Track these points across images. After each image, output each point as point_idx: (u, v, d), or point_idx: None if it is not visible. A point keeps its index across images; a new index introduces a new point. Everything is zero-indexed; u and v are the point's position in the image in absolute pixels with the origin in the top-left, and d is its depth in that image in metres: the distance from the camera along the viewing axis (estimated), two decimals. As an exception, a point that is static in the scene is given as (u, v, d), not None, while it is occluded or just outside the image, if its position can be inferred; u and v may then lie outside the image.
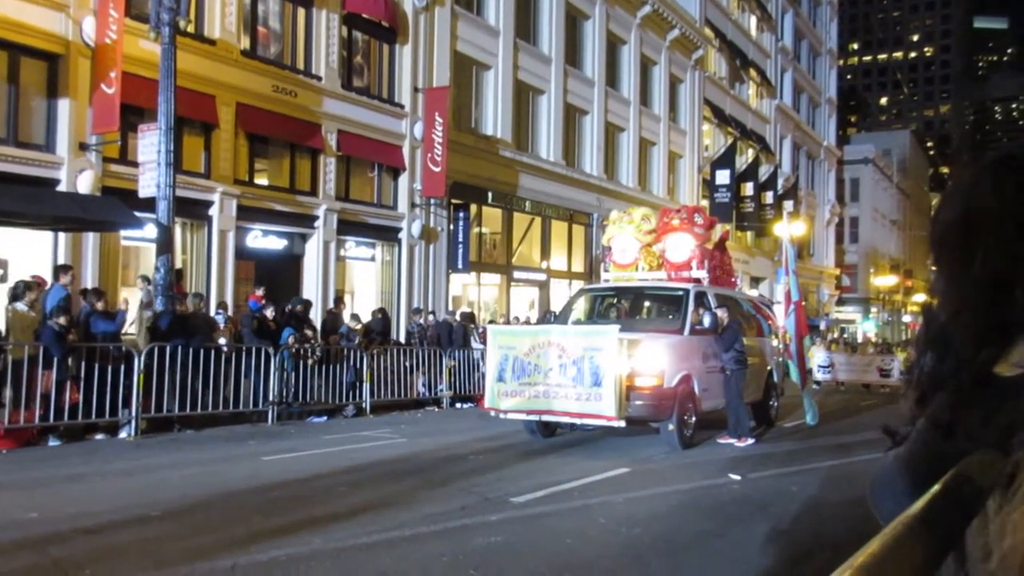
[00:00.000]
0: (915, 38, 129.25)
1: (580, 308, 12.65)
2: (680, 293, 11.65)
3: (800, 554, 5.75)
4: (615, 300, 12.98)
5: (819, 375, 17.63)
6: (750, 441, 10.89)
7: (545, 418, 10.45)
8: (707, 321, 11.05)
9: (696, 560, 5.49)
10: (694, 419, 10.64)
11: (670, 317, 11.68)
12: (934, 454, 0.90)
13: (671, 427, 10.15)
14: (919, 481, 0.89)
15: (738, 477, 8.40)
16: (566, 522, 6.34)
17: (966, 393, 0.89)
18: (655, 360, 10.07)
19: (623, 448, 10.40)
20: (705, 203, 33.15)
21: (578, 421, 10.20)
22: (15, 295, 10.28)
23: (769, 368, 13.44)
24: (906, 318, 66.00)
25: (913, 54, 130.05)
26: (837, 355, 25.55)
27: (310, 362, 13.32)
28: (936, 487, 0.81)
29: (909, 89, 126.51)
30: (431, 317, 18.00)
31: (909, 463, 0.95)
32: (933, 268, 1.02)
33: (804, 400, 13.75)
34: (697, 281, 12.21)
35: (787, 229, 17.12)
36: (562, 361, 9.93)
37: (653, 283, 12.55)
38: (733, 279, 14.26)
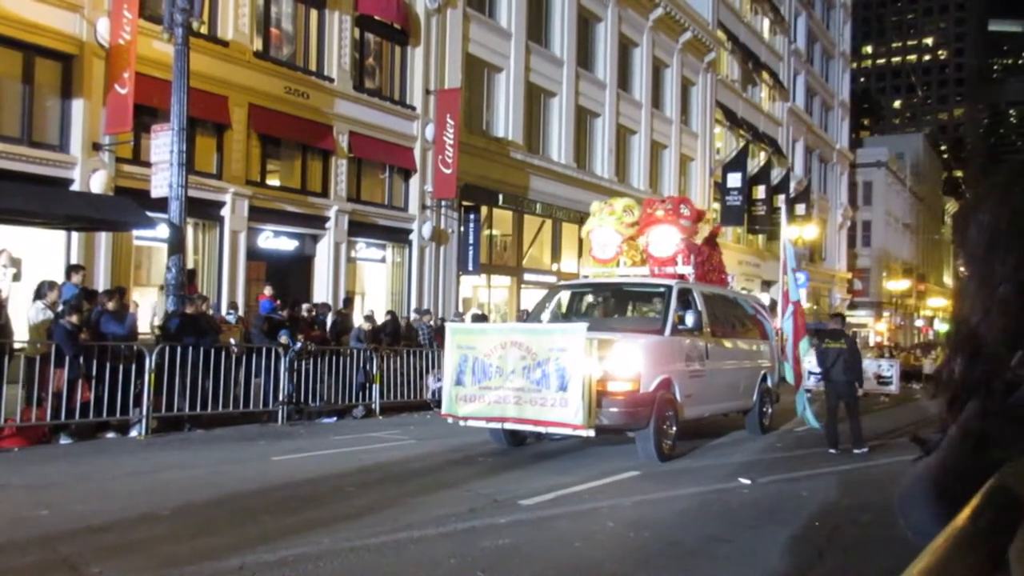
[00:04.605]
0: (929, 41, 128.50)
1: (555, 307, 11.89)
2: (662, 290, 10.75)
3: (810, 559, 5.70)
4: (593, 298, 12.19)
5: (810, 382, 17.21)
6: (864, 449, 10.94)
7: (507, 426, 9.52)
8: (690, 320, 10.20)
9: (705, 564, 5.46)
10: (675, 428, 9.68)
11: (650, 316, 10.92)
12: (967, 464, 0.87)
13: (648, 437, 9.26)
14: (951, 492, 0.85)
15: (748, 481, 8.35)
16: (575, 525, 6.31)
17: (999, 399, 0.87)
18: (630, 362, 9.17)
19: (632, 451, 10.34)
20: (717, 206, 33.09)
21: (542, 430, 9.31)
22: (38, 294, 10.39)
23: (763, 372, 12.66)
24: (919, 322, 65.62)
25: (927, 57, 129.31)
26: None
27: (312, 361, 13.30)
28: (977, 499, 0.77)
29: (923, 92, 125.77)
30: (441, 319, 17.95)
31: (941, 473, 0.92)
32: (962, 269, 0.99)
33: (798, 403, 13.21)
34: (682, 277, 11.39)
35: (786, 229, 16.81)
36: (525, 363, 8.98)
37: (632, 279, 11.76)
38: (724, 276, 13.34)
